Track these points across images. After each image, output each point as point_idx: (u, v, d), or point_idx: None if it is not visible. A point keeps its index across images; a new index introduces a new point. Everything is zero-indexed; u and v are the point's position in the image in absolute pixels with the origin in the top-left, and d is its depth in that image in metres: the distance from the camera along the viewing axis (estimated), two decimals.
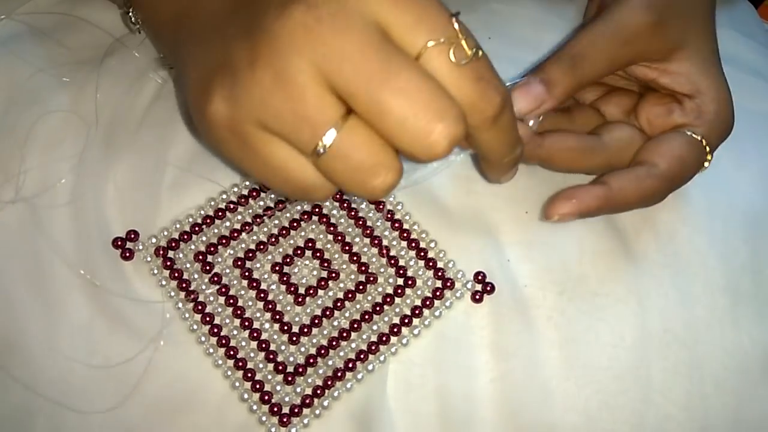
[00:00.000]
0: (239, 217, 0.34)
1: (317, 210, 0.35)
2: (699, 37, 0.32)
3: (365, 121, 0.21)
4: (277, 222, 0.34)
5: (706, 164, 0.33)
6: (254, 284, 0.33)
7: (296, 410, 0.30)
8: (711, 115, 0.32)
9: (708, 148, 0.32)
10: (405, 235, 0.34)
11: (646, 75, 0.33)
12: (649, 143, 0.32)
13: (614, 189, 0.30)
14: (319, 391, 0.31)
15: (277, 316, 0.32)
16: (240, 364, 0.31)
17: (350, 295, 0.33)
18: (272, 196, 0.35)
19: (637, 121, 0.33)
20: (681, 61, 0.32)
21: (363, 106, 0.21)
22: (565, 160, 0.31)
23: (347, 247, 0.34)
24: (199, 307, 0.32)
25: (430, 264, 0.33)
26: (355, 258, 0.33)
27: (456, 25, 0.22)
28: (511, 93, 0.29)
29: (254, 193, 0.34)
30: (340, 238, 0.34)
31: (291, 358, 0.32)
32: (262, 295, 0.33)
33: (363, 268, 0.33)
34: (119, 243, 0.32)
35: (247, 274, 0.33)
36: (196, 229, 0.33)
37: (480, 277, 0.33)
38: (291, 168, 0.23)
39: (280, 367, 0.31)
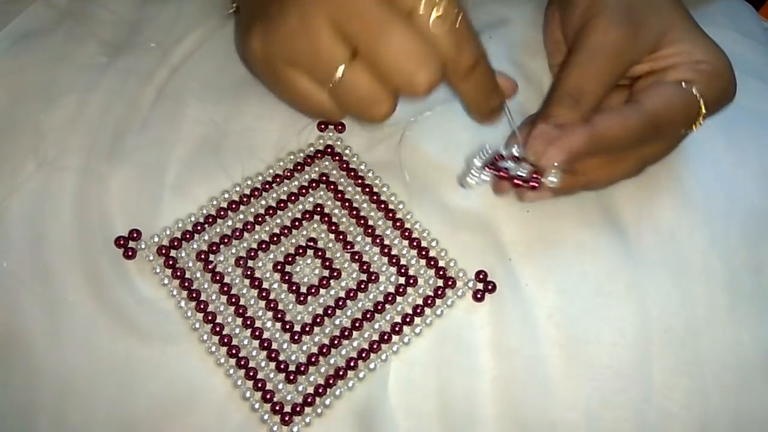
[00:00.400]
0: (241, 216, 0.34)
1: (319, 209, 0.35)
2: (675, 16, 0.33)
3: (366, 63, 0.26)
4: (279, 221, 0.34)
5: (699, 120, 0.32)
6: (256, 283, 0.33)
7: (298, 409, 0.31)
8: (708, 73, 0.32)
9: (702, 102, 0.32)
10: (406, 234, 0.34)
11: (641, 69, 0.33)
12: (640, 89, 0.32)
13: (597, 126, 0.30)
14: (320, 390, 0.31)
15: (279, 315, 0.32)
16: (242, 362, 0.31)
17: (352, 294, 0.33)
18: (273, 195, 0.35)
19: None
20: (670, 44, 0.32)
21: (364, 51, 0.26)
22: (602, 178, 0.32)
23: (349, 246, 0.34)
24: (201, 306, 0.32)
25: (432, 263, 0.33)
26: (356, 257, 0.34)
27: None
28: (533, 149, 0.31)
29: (256, 193, 0.35)
30: (341, 237, 0.34)
31: (293, 357, 0.32)
32: (263, 293, 0.33)
33: (364, 267, 0.33)
34: (122, 242, 0.33)
35: (248, 273, 0.33)
36: (198, 228, 0.33)
37: (481, 276, 0.33)
38: (311, 95, 0.28)
39: (282, 366, 0.31)
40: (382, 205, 0.35)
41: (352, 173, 0.35)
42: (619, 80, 0.33)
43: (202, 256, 0.33)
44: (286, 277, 0.33)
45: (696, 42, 0.32)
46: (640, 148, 0.32)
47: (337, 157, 0.36)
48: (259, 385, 0.31)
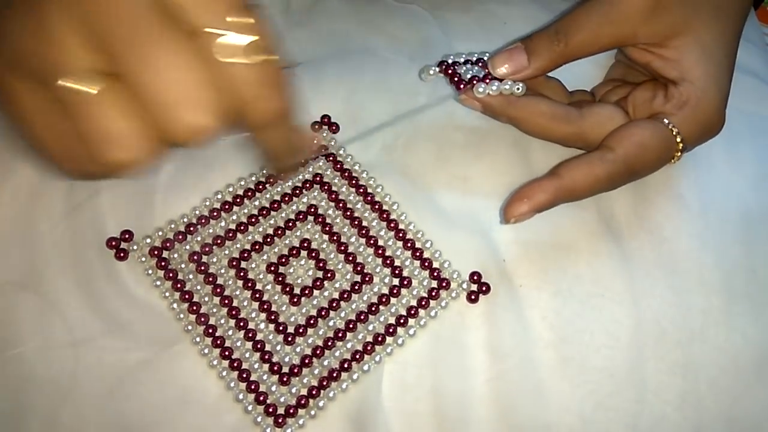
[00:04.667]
0: (234, 217, 0.34)
1: (313, 210, 0.34)
2: (704, 26, 0.31)
3: (123, 88, 0.19)
4: (272, 222, 0.34)
5: (676, 156, 0.32)
6: (249, 284, 0.33)
7: (291, 411, 0.30)
8: (691, 107, 0.31)
9: (680, 140, 0.31)
10: (400, 235, 0.34)
11: (642, 57, 0.32)
12: (616, 128, 0.32)
13: (565, 179, 0.30)
14: (314, 392, 0.31)
15: (273, 317, 0.32)
16: (235, 364, 0.31)
17: (346, 295, 0.33)
18: (267, 196, 0.35)
19: (626, 106, 0.33)
20: (677, 47, 0.31)
21: (123, 72, 0.19)
22: (535, 123, 0.32)
23: (343, 247, 0.34)
24: (194, 308, 0.32)
25: (426, 264, 0.33)
26: (350, 258, 0.33)
27: (247, 20, 0.20)
28: (495, 55, 0.32)
29: (249, 193, 0.34)
30: (335, 238, 0.34)
31: (286, 359, 0.31)
32: (257, 295, 0.32)
33: (358, 268, 0.33)
34: (113, 243, 0.32)
35: (242, 274, 0.33)
36: (191, 229, 0.33)
37: (475, 277, 0.33)
38: (38, 120, 0.21)
39: (276, 368, 0.31)
40: (376, 206, 0.35)
41: (346, 174, 0.35)
42: (610, 48, 0.32)
43: (195, 257, 0.33)
44: (280, 279, 0.33)
45: (699, 62, 0.31)
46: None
47: (331, 158, 0.36)
48: (253, 386, 0.31)
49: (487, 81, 0.32)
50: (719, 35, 0.32)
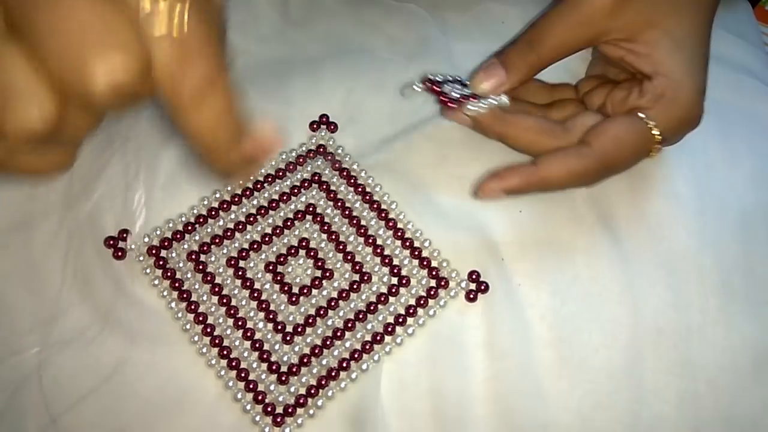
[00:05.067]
0: (232, 216, 0.34)
1: (311, 209, 0.34)
2: (673, 19, 0.31)
3: (21, 42, 0.17)
4: (270, 221, 0.34)
5: (653, 151, 0.32)
6: (248, 283, 0.33)
7: (290, 410, 0.30)
8: (667, 100, 0.31)
9: (658, 134, 0.31)
10: (399, 234, 0.34)
11: (614, 53, 0.33)
12: (594, 125, 0.32)
13: (540, 169, 0.31)
14: (313, 391, 0.31)
15: (271, 316, 0.32)
16: (233, 363, 0.31)
17: (344, 295, 0.33)
18: (265, 195, 0.35)
19: (605, 107, 0.33)
20: (647, 41, 0.31)
21: (18, 23, 0.17)
22: (522, 139, 0.32)
23: (341, 246, 0.34)
24: (192, 307, 0.32)
25: (424, 263, 0.33)
26: (349, 257, 0.33)
27: None
28: (474, 73, 0.32)
29: (248, 192, 0.34)
30: (334, 237, 0.34)
31: (285, 358, 0.31)
32: (255, 294, 0.32)
33: (357, 267, 0.33)
34: (111, 242, 0.32)
35: (240, 273, 0.33)
36: (189, 228, 0.33)
37: (474, 276, 0.33)
38: None
39: (274, 367, 0.31)
40: (375, 205, 0.35)
41: (345, 173, 0.35)
42: (581, 48, 0.32)
43: (193, 257, 0.33)
44: (278, 278, 0.33)
45: (671, 55, 0.31)
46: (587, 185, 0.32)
47: (329, 157, 0.36)
48: (251, 386, 0.31)
49: (473, 99, 0.32)
50: (689, 27, 0.32)
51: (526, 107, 0.35)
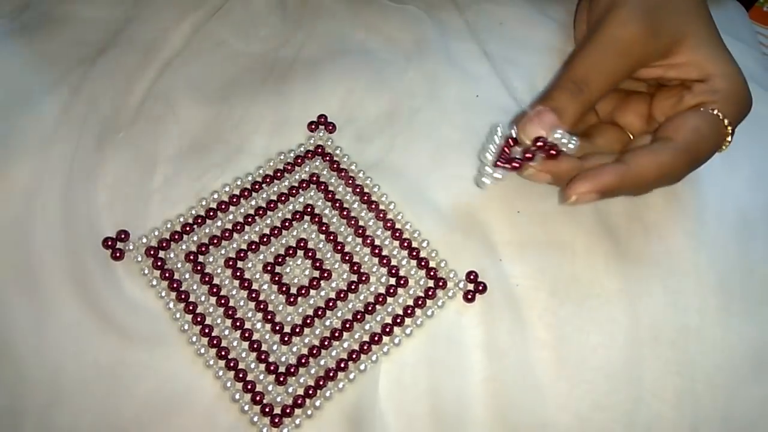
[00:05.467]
0: (231, 216, 0.34)
1: (309, 210, 0.34)
2: (698, 24, 0.32)
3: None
4: (269, 221, 0.34)
5: (728, 140, 0.32)
6: (246, 284, 0.33)
7: (288, 411, 0.30)
8: (725, 91, 0.31)
9: (727, 123, 0.31)
10: (397, 234, 0.34)
11: (651, 74, 0.33)
12: (665, 122, 0.32)
13: (632, 166, 0.30)
14: (311, 392, 0.31)
15: (269, 316, 0.32)
16: (231, 364, 0.31)
17: (342, 295, 0.33)
18: (263, 196, 0.35)
19: (656, 120, 0.34)
20: (683, 52, 0.32)
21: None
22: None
23: (339, 247, 0.34)
24: (191, 308, 0.32)
25: (423, 263, 0.33)
26: (347, 257, 0.33)
27: None
28: (524, 124, 0.30)
29: (246, 193, 0.34)
30: (332, 237, 0.34)
31: (283, 359, 0.31)
32: (253, 295, 0.32)
33: (355, 268, 0.33)
34: (109, 243, 0.32)
35: (238, 274, 0.33)
36: (187, 229, 0.33)
37: (472, 277, 0.33)
38: None
39: (272, 368, 0.31)
40: (373, 206, 0.35)
41: (343, 173, 0.35)
42: (626, 78, 0.32)
43: (191, 257, 0.33)
44: (276, 278, 0.33)
45: (711, 55, 0.32)
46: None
47: (327, 157, 0.36)
48: (249, 386, 0.31)
49: (544, 152, 0.30)
50: (707, 25, 0.32)
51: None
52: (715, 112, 0.31)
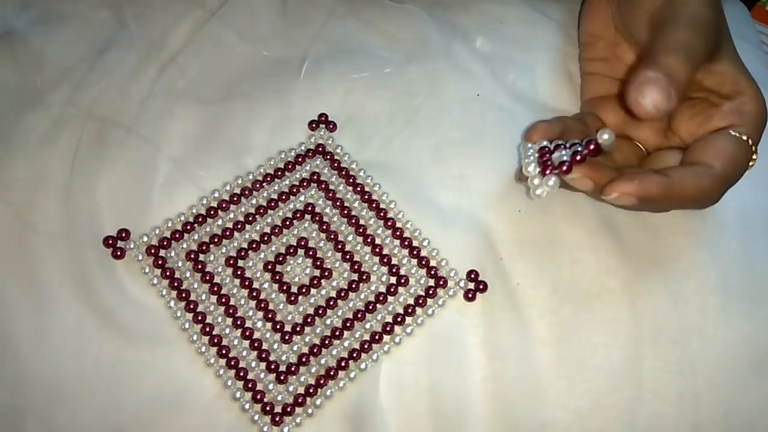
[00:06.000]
0: (231, 215, 0.34)
1: (310, 208, 0.34)
2: (730, 41, 0.32)
3: None
4: (269, 220, 0.34)
5: (752, 161, 0.32)
6: (246, 283, 0.33)
7: (288, 409, 0.30)
8: (752, 113, 0.31)
9: (753, 146, 0.31)
10: (398, 233, 0.34)
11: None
12: (697, 144, 0.32)
13: (675, 181, 0.29)
14: (311, 390, 0.31)
15: (270, 315, 0.32)
16: (232, 363, 0.31)
17: (343, 294, 0.33)
18: (264, 195, 0.35)
19: (677, 136, 0.33)
20: (723, 61, 0.31)
21: None
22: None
23: (340, 246, 0.34)
24: (191, 306, 0.32)
25: (423, 262, 0.33)
26: (347, 256, 0.33)
27: None
28: (638, 83, 0.28)
29: (246, 192, 0.34)
30: (332, 236, 0.34)
31: (283, 357, 0.31)
32: (254, 293, 0.32)
33: (356, 267, 0.33)
34: (110, 241, 0.32)
35: (239, 272, 0.33)
36: (188, 227, 0.33)
37: (473, 276, 0.33)
38: None
39: (273, 366, 0.31)
40: (374, 204, 0.35)
41: (344, 172, 0.35)
42: (703, 61, 0.31)
43: (192, 256, 0.33)
44: (277, 277, 0.33)
45: (743, 71, 0.32)
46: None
47: (328, 156, 0.36)
48: (250, 385, 0.31)
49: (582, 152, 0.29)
50: (732, 46, 0.32)
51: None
52: (744, 137, 0.31)
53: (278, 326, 0.32)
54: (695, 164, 0.31)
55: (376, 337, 0.32)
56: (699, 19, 0.30)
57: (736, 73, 0.31)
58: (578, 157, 0.29)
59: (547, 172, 0.30)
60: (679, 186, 0.29)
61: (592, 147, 0.29)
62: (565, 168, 0.29)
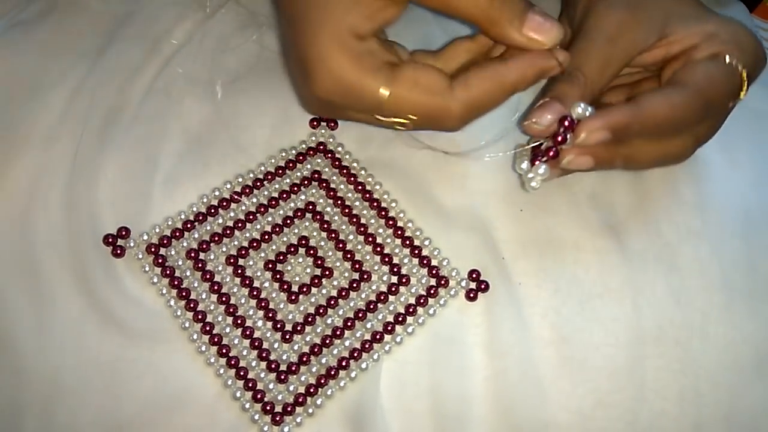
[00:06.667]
0: (232, 214, 0.34)
1: (311, 207, 0.34)
2: (681, 3, 0.32)
3: None
4: (270, 219, 0.34)
5: (744, 89, 0.31)
6: (247, 282, 0.32)
7: (289, 409, 0.30)
8: (732, 40, 0.31)
9: (741, 69, 0.31)
10: (399, 232, 0.34)
11: (655, 56, 0.32)
12: (677, 69, 0.31)
13: (642, 105, 0.29)
14: (312, 390, 0.31)
15: (270, 314, 0.32)
16: (232, 362, 0.31)
17: (344, 293, 0.33)
18: (265, 193, 0.34)
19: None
20: (677, 29, 0.31)
21: None
22: (660, 115, 0.30)
23: (341, 245, 0.33)
24: (191, 305, 0.32)
25: (425, 262, 0.33)
26: (348, 255, 0.33)
27: None
28: (530, 116, 0.30)
29: (247, 190, 0.34)
30: (333, 235, 0.34)
31: (284, 357, 0.31)
32: (255, 292, 0.32)
33: (357, 266, 0.33)
34: (110, 240, 0.32)
35: (239, 271, 0.33)
36: (189, 225, 0.33)
37: (474, 275, 0.33)
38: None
39: (273, 366, 0.31)
40: (375, 203, 0.34)
41: (345, 171, 0.35)
42: (624, 65, 0.32)
43: (192, 255, 0.33)
44: (278, 276, 0.33)
45: (704, 19, 0.32)
46: (687, 128, 0.31)
47: (329, 155, 0.36)
48: (250, 384, 0.31)
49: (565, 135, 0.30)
50: (693, 3, 0.33)
51: None
52: (727, 59, 0.30)
53: (279, 325, 0.32)
54: (668, 85, 0.30)
55: (377, 337, 0.32)
56: (601, 31, 0.31)
57: (696, 29, 0.31)
58: (559, 138, 0.29)
59: (536, 162, 0.30)
60: (648, 108, 0.29)
61: (566, 123, 0.29)
62: (552, 153, 0.30)
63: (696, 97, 0.30)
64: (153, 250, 0.32)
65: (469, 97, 0.29)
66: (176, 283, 0.32)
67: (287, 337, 0.32)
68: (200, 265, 0.32)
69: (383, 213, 0.34)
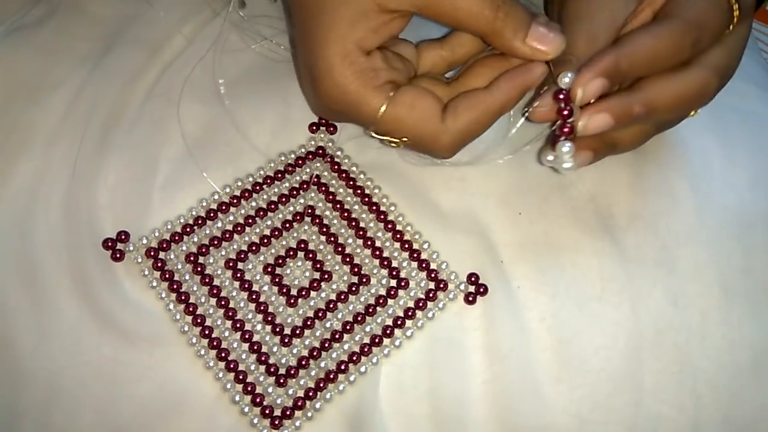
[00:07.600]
0: (231, 217, 0.34)
1: (310, 211, 0.34)
2: None
3: None
4: (269, 223, 0.34)
5: (735, 17, 0.30)
6: (246, 285, 0.32)
7: (288, 413, 0.30)
8: None
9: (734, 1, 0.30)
10: (398, 236, 0.34)
11: (645, 18, 0.31)
12: (660, 9, 0.30)
13: (626, 44, 0.29)
14: (311, 394, 0.31)
15: (269, 318, 0.32)
16: (232, 366, 0.31)
17: (343, 297, 0.33)
18: (264, 197, 0.34)
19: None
20: None
21: None
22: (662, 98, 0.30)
23: (340, 248, 0.34)
24: (191, 309, 0.32)
25: (423, 265, 0.33)
26: (347, 259, 0.33)
27: None
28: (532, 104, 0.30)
29: (246, 194, 0.34)
30: (332, 239, 0.34)
31: (283, 360, 0.31)
32: (254, 296, 0.32)
33: (356, 270, 0.33)
34: (110, 244, 0.32)
35: (239, 275, 0.33)
36: (188, 229, 0.33)
37: (473, 279, 0.33)
38: None
39: (272, 369, 0.31)
40: (374, 207, 0.34)
41: (344, 175, 0.35)
42: (614, 38, 0.31)
43: (192, 258, 0.33)
44: (277, 280, 0.33)
45: None
46: (696, 60, 0.30)
47: (328, 159, 0.36)
48: (249, 388, 0.31)
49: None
50: None
51: None
52: None
53: (278, 329, 0.32)
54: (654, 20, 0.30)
55: (376, 340, 0.32)
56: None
57: None
58: (565, 111, 0.29)
59: (556, 142, 0.30)
60: (631, 44, 0.28)
61: (561, 95, 0.29)
62: (566, 129, 0.29)
63: (683, 29, 0.29)
64: (152, 254, 0.32)
65: (457, 127, 0.30)
66: (175, 286, 0.32)
67: (286, 340, 0.32)
68: (199, 268, 0.33)
69: (382, 217, 0.34)
